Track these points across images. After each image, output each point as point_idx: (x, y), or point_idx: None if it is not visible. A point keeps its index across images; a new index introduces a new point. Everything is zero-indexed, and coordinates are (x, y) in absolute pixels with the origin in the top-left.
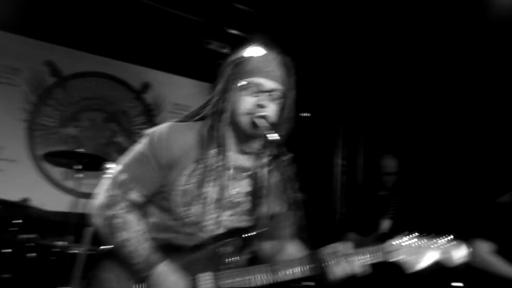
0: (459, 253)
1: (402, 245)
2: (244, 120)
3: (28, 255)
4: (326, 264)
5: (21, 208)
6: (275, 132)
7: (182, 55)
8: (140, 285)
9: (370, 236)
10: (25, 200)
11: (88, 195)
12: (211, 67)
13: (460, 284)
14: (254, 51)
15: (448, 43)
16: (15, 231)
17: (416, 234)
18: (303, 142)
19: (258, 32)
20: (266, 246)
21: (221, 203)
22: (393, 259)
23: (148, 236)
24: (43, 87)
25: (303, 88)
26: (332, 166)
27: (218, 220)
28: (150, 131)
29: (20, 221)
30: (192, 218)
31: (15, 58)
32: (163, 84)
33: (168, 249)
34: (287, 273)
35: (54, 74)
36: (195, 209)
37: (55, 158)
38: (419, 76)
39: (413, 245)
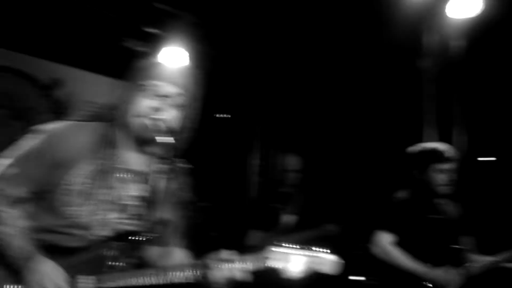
0: (327, 263)
1: (277, 253)
2: (136, 122)
3: None
4: (208, 268)
5: None
6: (169, 136)
7: (97, 52)
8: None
9: (273, 231)
10: None
11: None
12: (126, 65)
13: (362, 278)
14: (161, 54)
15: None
16: None
17: (294, 245)
18: (221, 143)
19: (175, 31)
20: (153, 252)
21: (111, 205)
22: (269, 265)
23: (29, 235)
24: None
25: (221, 90)
26: (248, 166)
27: (106, 222)
28: (47, 127)
29: None
30: (81, 219)
31: None
32: (76, 81)
33: (51, 251)
34: (171, 277)
35: None
36: (85, 209)
37: None
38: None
39: (288, 253)
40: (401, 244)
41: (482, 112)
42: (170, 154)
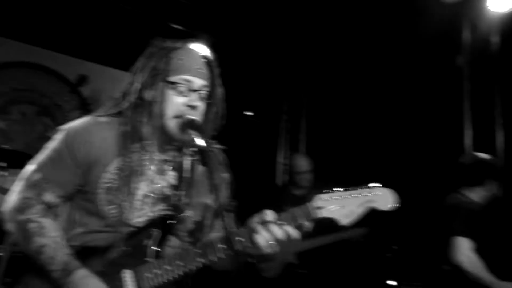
0: (388, 199)
1: (327, 200)
2: (172, 124)
3: None
4: (254, 232)
5: None
6: (203, 136)
7: (122, 48)
8: None
9: None
10: None
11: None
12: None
13: (394, 283)
14: (180, 45)
15: (380, 47)
16: None
17: (339, 188)
18: (246, 141)
19: (198, 27)
20: (193, 238)
21: (148, 198)
22: (322, 215)
23: (66, 242)
24: None
25: (247, 87)
26: (275, 165)
27: (146, 216)
28: (66, 126)
29: None
30: (118, 216)
31: None
32: (101, 77)
33: (89, 252)
34: (209, 258)
35: None
36: (121, 206)
37: None
38: (359, 76)
39: (338, 198)
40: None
41: None
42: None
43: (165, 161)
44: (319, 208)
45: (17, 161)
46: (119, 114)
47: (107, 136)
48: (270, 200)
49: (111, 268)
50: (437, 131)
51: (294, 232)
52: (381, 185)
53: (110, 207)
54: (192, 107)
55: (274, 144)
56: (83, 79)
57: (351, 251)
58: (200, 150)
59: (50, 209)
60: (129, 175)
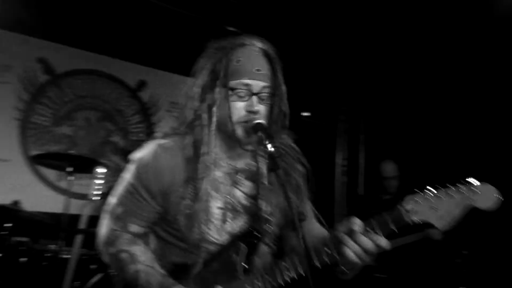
0: (489, 195)
1: (420, 202)
2: (237, 129)
3: (20, 259)
4: (343, 243)
5: (12, 211)
6: (271, 139)
7: (178, 53)
8: None
9: None
10: (16, 202)
11: (80, 196)
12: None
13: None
14: (239, 42)
15: (447, 42)
16: (5, 234)
17: (431, 188)
18: (303, 142)
19: (254, 29)
20: (286, 239)
21: (227, 213)
22: (415, 219)
23: (157, 263)
24: (36, 85)
25: (303, 87)
26: (334, 166)
27: (228, 231)
28: (136, 157)
29: (11, 224)
30: (199, 236)
31: (7, 55)
32: (159, 82)
33: (180, 269)
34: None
35: (47, 71)
36: (201, 227)
37: (46, 160)
38: (421, 75)
39: (431, 199)
40: None
41: None
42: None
43: (237, 171)
44: (411, 211)
45: (83, 166)
46: (185, 132)
47: (175, 162)
48: (354, 207)
49: (203, 285)
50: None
51: (384, 242)
52: (477, 181)
53: (192, 230)
54: (253, 113)
55: (333, 145)
56: (142, 84)
57: (421, 254)
58: (271, 154)
59: (137, 237)
60: (204, 196)
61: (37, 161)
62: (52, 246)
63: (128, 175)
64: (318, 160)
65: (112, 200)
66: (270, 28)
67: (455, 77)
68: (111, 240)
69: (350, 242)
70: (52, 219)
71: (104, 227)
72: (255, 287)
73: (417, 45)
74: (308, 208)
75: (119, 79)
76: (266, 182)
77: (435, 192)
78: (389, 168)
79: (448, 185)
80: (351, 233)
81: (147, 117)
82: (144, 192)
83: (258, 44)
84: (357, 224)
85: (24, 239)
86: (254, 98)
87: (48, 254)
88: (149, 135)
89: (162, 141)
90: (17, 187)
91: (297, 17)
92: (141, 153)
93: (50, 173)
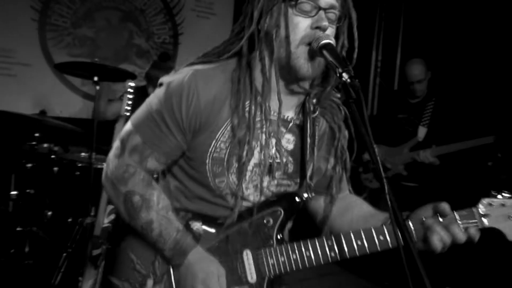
0: None
1: (495, 207)
2: (300, 52)
3: (53, 168)
4: (428, 229)
5: (39, 121)
6: (345, 67)
7: None
8: (164, 277)
9: (404, 146)
10: (42, 112)
11: (107, 101)
12: None
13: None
14: None
15: None
16: (35, 144)
17: (507, 193)
18: None
19: None
20: (319, 208)
21: (261, 168)
22: (487, 225)
23: (174, 213)
24: None
25: None
26: (370, 65)
27: (258, 188)
28: (167, 80)
29: (39, 134)
30: (227, 190)
31: None
32: None
33: (202, 219)
34: (356, 247)
35: None
36: (230, 179)
37: (69, 69)
38: None
39: (508, 204)
40: None
41: None
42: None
43: (283, 120)
44: (484, 215)
45: (107, 75)
46: (231, 57)
47: (216, 94)
48: (385, 105)
49: (227, 245)
50: None
51: (476, 234)
52: None
53: (218, 179)
54: (321, 29)
55: (369, 43)
56: None
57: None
58: (344, 85)
59: (153, 176)
60: (239, 142)
61: (60, 69)
62: (84, 155)
63: (155, 100)
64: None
65: (130, 126)
66: None
67: None
68: (123, 177)
69: (442, 232)
70: (80, 127)
71: (116, 158)
72: (290, 260)
73: None
74: (345, 179)
75: None
76: (311, 140)
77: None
78: (417, 70)
79: None
80: (448, 223)
81: (171, 17)
82: (171, 123)
83: None
84: (446, 210)
85: (55, 147)
86: (322, 13)
87: (80, 164)
88: (174, 37)
89: (202, 67)
90: (39, 92)
91: None
92: (175, 78)
93: (75, 79)
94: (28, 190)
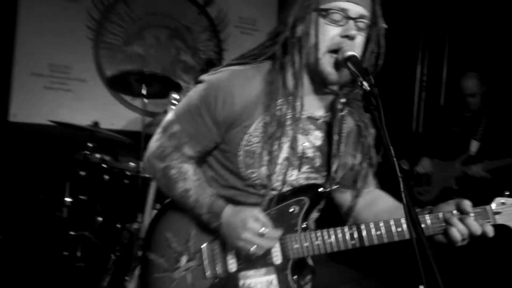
0: None
1: (508, 206)
2: (326, 60)
3: (104, 176)
4: (449, 223)
5: (92, 132)
6: (366, 76)
7: None
8: (197, 255)
9: (456, 160)
10: (95, 123)
11: (156, 114)
12: None
13: None
14: None
15: None
16: (88, 154)
17: None
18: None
19: None
20: (345, 201)
21: (290, 162)
22: (498, 222)
23: (207, 185)
24: (105, 2)
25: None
26: (414, 81)
27: (286, 180)
28: (207, 77)
29: (91, 144)
30: (258, 181)
31: None
32: None
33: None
34: (375, 236)
35: None
36: (261, 171)
37: (121, 82)
38: None
39: None
40: None
41: None
42: (357, 87)
43: (312, 117)
44: (497, 213)
45: (158, 86)
46: (266, 60)
47: (251, 92)
48: (436, 119)
49: None
50: None
51: (490, 229)
52: None
53: (250, 170)
54: (349, 38)
55: (414, 57)
56: (209, 0)
57: None
58: (365, 93)
59: (188, 159)
60: (271, 138)
61: (113, 85)
62: (132, 164)
63: (194, 95)
64: (397, 73)
65: (172, 116)
66: None
67: None
68: (161, 155)
69: (461, 225)
70: (130, 138)
71: (156, 141)
72: (313, 247)
73: None
74: (371, 174)
75: None
76: (338, 137)
77: None
78: (472, 84)
79: None
80: (464, 217)
81: (215, 33)
82: (207, 117)
83: None
84: (468, 206)
85: (106, 157)
86: (351, 22)
87: (129, 173)
88: (218, 53)
89: (239, 67)
90: (94, 106)
91: None
92: (213, 77)
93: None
94: (81, 197)
